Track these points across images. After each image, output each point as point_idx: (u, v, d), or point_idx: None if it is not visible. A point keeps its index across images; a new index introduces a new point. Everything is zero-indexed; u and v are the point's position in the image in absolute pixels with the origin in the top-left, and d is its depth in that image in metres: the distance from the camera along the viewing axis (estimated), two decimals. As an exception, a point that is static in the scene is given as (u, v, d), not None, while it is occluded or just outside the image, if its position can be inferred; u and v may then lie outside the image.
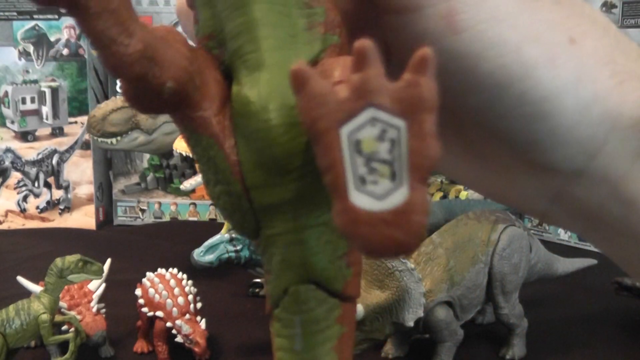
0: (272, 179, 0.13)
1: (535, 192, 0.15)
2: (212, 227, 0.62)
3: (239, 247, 0.53)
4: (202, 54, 0.13)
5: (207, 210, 0.83)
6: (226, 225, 0.54)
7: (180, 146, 0.67)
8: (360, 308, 0.44)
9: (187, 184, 0.65)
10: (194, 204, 0.83)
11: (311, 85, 0.09)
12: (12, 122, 0.81)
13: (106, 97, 0.81)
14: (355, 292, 0.14)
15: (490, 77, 0.13)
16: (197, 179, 0.66)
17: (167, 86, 0.12)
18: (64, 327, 0.47)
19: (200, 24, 0.14)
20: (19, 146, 0.80)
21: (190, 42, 0.13)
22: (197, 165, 0.81)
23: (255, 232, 0.14)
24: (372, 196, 0.09)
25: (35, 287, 0.48)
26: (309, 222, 0.13)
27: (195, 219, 0.82)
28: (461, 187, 0.72)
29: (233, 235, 0.53)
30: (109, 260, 0.52)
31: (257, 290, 0.60)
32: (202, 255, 0.52)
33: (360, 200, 0.09)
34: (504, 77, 0.13)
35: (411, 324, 0.44)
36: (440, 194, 0.76)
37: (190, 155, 0.70)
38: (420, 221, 0.09)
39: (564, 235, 0.74)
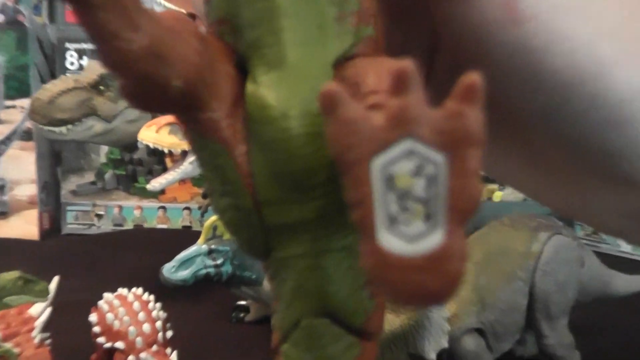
0: (289, 195, 0.14)
1: (610, 207, 0.16)
2: (186, 237, 0.63)
3: (219, 261, 0.54)
4: (213, 42, 0.14)
5: (179, 216, 0.84)
6: (204, 234, 0.55)
7: (147, 136, 0.67)
8: (370, 337, 0.44)
9: (155, 183, 0.65)
10: (164, 207, 0.84)
11: (342, 109, 0.10)
12: None
13: (53, 76, 0.81)
14: (377, 328, 0.15)
15: (558, 75, 0.14)
16: (168, 176, 0.66)
17: (174, 85, 0.13)
18: (-1, 363, 0.47)
19: (213, 5, 0.15)
20: (-59, 136, 0.80)
21: (201, 26, 0.15)
22: (167, 160, 0.82)
23: (265, 253, 0.15)
24: (404, 238, 0.10)
25: (-39, 313, 0.48)
26: (329, 246, 0.14)
27: (165, 226, 0.83)
28: (495, 186, 0.72)
29: (212, 247, 0.54)
30: (56, 278, 0.52)
31: (242, 315, 0.61)
32: (173, 271, 0.53)
33: (390, 241, 0.10)
34: (573, 75, 0.14)
35: (433, 356, 0.45)
36: None
37: (160, 147, 0.71)
38: (456, 270, 0.10)
39: (625, 247, 0.73)
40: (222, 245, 0.54)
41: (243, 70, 0.15)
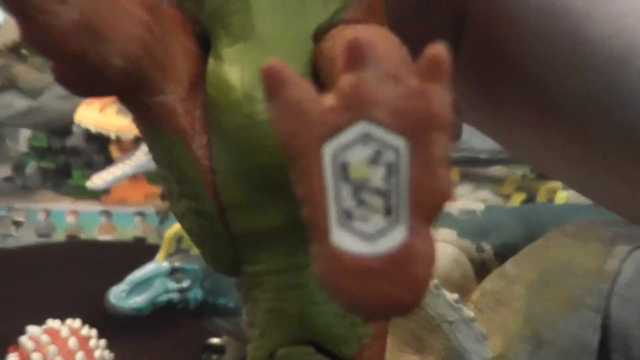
0: (258, 196, 0.15)
1: None
2: (140, 251, 0.66)
3: (185, 284, 0.55)
4: (168, 12, 0.16)
5: (129, 224, 0.85)
6: (164, 249, 0.56)
7: (87, 117, 0.69)
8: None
9: (98, 180, 0.67)
10: (108, 212, 0.85)
11: (287, 90, 0.12)
12: None
13: None
14: None
15: (603, 46, 0.15)
16: (116, 171, 0.68)
17: (114, 65, 0.14)
18: None
19: None
20: None
21: None
22: (113, 148, 0.83)
23: (235, 267, 0.16)
24: (360, 236, 0.12)
25: None
26: (309, 259, 0.15)
27: (110, 237, 0.85)
28: (557, 184, 0.74)
29: (176, 265, 0.55)
30: None
31: (215, 356, 0.62)
32: (124, 296, 0.54)
33: (345, 240, 0.12)
34: (622, 46, 0.15)
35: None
36: (522, 195, 0.78)
37: (105, 132, 0.72)
38: (422, 274, 0.11)
39: None
40: (188, 262, 0.55)
41: (207, 45, 0.16)
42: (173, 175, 0.16)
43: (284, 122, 0.12)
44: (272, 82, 0.12)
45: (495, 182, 0.83)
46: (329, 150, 0.12)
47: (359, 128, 0.12)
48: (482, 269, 0.56)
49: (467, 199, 0.77)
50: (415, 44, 0.15)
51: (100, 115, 0.68)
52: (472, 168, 0.82)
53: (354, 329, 0.16)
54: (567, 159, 0.20)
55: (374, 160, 0.12)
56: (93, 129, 0.69)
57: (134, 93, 0.15)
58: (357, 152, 0.12)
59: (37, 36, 0.13)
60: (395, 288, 0.11)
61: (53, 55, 0.13)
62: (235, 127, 0.15)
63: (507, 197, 0.81)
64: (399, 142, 0.12)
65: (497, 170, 0.83)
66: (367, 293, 0.11)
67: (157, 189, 0.84)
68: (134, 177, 0.82)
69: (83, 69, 0.14)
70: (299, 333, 0.16)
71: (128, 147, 0.77)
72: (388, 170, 0.12)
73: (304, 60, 0.16)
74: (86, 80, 0.14)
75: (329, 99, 0.12)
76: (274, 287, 0.16)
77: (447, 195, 0.12)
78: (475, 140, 0.76)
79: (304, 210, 0.12)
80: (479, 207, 0.64)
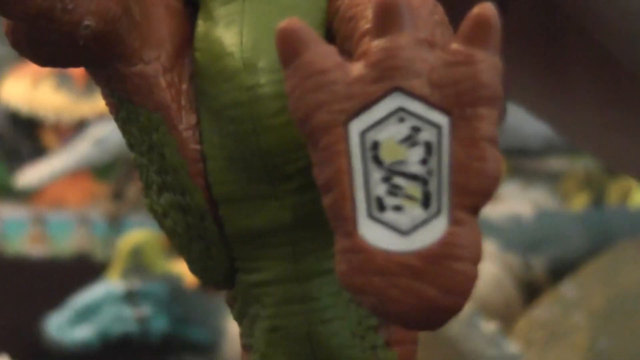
0: (260, 188, 0.16)
1: None
2: (84, 269, 0.67)
3: (146, 312, 0.57)
4: None
5: (68, 233, 0.85)
6: (117, 266, 0.57)
7: (15, 94, 0.68)
8: None
9: (29, 176, 0.66)
10: (41, 218, 0.85)
11: (307, 55, 0.13)
12: None
13: None
14: None
15: None
16: (51, 165, 0.67)
17: (84, 25, 0.15)
18: None
19: None
20: None
21: None
22: (48, 135, 0.82)
23: (227, 278, 0.17)
24: (394, 229, 0.13)
25: None
26: (319, 266, 0.16)
27: (43, 250, 0.85)
28: (630, 182, 0.74)
29: (134, 287, 0.57)
30: None
31: None
32: (66, 327, 0.55)
33: (375, 234, 0.13)
34: None
35: None
36: (586, 196, 0.79)
37: (37, 112, 0.71)
38: (465, 272, 0.12)
39: None
40: (150, 283, 0.57)
41: (194, 6, 0.17)
42: (153, 163, 0.17)
43: (304, 94, 0.13)
44: (289, 46, 0.13)
45: (551, 178, 0.83)
46: (357, 127, 0.13)
47: (393, 101, 0.13)
48: (531, 292, 0.57)
49: (514, 201, 0.76)
50: (452, 5, 0.16)
51: (32, 91, 0.68)
52: (521, 160, 0.82)
53: (375, 353, 0.17)
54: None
55: (410, 139, 0.13)
56: (23, 110, 0.69)
57: (107, 61, 0.16)
58: (390, 130, 0.13)
59: None
60: (435, 289, 0.12)
61: (11, 13, 0.14)
62: (232, 104, 0.16)
63: (566, 198, 0.80)
64: (439, 117, 0.13)
65: (553, 163, 0.83)
66: (402, 295, 0.12)
67: (105, 188, 0.84)
68: (74, 173, 0.81)
69: (47, 30, 0.15)
70: (307, 356, 0.17)
71: (67, 133, 0.77)
72: (427, 151, 0.13)
73: (316, 21, 0.16)
74: (50, 45, 0.15)
75: (357, 67, 0.13)
76: (277, 300, 0.17)
77: (497, 180, 0.12)
78: (525, 124, 0.76)
79: (326, 198, 0.13)
80: (529, 211, 0.64)
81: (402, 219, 0.13)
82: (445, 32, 0.14)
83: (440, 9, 0.14)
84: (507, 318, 0.52)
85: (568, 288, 0.50)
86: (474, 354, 0.46)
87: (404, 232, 0.13)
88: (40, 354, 0.54)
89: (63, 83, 0.67)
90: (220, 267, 0.17)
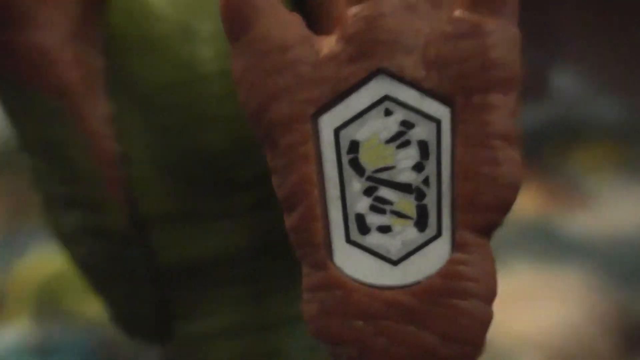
0: (203, 203, 0.15)
1: None
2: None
3: None
4: None
5: None
6: (22, 308, 0.54)
7: None
8: None
9: None
10: None
11: (262, 26, 0.11)
12: None
13: None
14: None
15: None
16: None
17: None
18: None
19: None
20: None
21: None
22: None
23: (162, 328, 0.16)
24: (381, 256, 0.11)
25: None
26: (289, 309, 0.15)
27: None
28: None
29: (45, 338, 0.53)
30: None
31: None
32: None
33: (356, 264, 0.11)
34: None
35: None
36: None
37: None
38: (475, 312, 0.11)
39: None
40: (65, 332, 0.51)
41: None
42: (55, 169, 0.15)
43: (258, 79, 0.11)
44: (237, 13, 0.11)
45: None
46: (329, 122, 0.11)
47: (377, 87, 0.11)
48: (634, 341, 0.53)
49: (610, 209, 0.65)
50: None
51: None
52: (620, 149, 0.67)
53: None
54: None
55: (400, 137, 0.11)
56: None
57: None
58: (373, 126, 0.11)
59: None
60: (435, 336, 0.11)
61: None
62: (162, 85, 0.14)
63: None
64: (438, 108, 0.11)
65: None
66: (391, 345, 0.11)
67: (1, 194, 0.81)
68: None
69: None
70: None
71: None
72: (422, 153, 0.11)
73: None
74: None
75: (329, 42, 0.12)
76: (230, 355, 0.15)
77: (515, 190, 0.11)
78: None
79: (289, 218, 0.12)
80: (634, 224, 0.58)
81: (391, 244, 0.11)
82: None
83: None
84: None
85: None
86: None
87: (393, 261, 0.11)
88: None
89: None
90: (152, 312, 0.15)
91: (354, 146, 0.11)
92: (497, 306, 0.12)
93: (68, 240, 0.14)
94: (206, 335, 0.14)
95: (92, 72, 0.13)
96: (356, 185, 0.11)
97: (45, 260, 0.48)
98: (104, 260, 0.14)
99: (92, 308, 0.46)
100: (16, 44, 0.13)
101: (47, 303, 0.46)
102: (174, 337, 0.15)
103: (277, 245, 0.14)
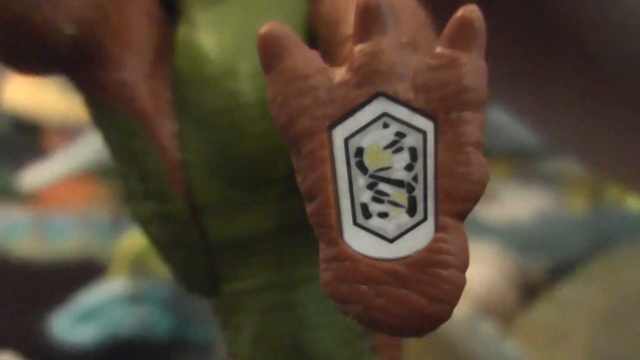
0: (242, 195, 0.16)
1: None
2: (85, 271, 0.67)
3: (149, 314, 0.57)
4: None
5: (69, 235, 0.85)
6: (120, 268, 0.58)
7: (16, 97, 0.68)
8: None
9: (31, 179, 0.67)
10: (41, 220, 0.86)
11: (289, 61, 0.13)
12: None
13: None
14: None
15: None
16: (51, 167, 0.68)
17: (63, 33, 0.15)
18: None
19: None
20: None
21: None
22: (47, 137, 0.83)
23: (212, 286, 0.18)
24: (380, 236, 0.13)
25: None
26: (304, 273, 0.17)
27: (44, 252, 0.85)
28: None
29: (137, 289, 0.57)
30: None
31: None
32: (71, 328, 0.56)
33: (361, 241, 0.13)
34: None
35: None
36: (586, 198, 0.79)
37: (41, 116, 0.71)
38: (451, 279, 0.12)
39: None
40: (151, 286, 0.56)
41: (173, 10, 0.17)
42: (134, 171, 0.17)
43: (286, 100, 0.13)
44: (271, 51, 0.13)
45: (551, 180, 0.82)
46: (340, 133, 0.13)
47: (377, 106, 0.13)
48: (530, 294, 0.57)
49: (513, 203, 0.76)
50: (435, 6, 0.16)
51: (36, 94, 0.68)
52: (520, 162, 0.82)
53: (361, 358, 0.17)
54: (623, 139, 0.21)
55: (395, 145, 0.13)
56: (26, 113, 0.69)
57: (85, 68, 0.16)
58: (374, 136, 0.13)
59: None
60: (423, 297, 0.12)
61: None
62: (213, 110, 0.16)
63: (565, 200, 0.80)
64: (424, 122, 0.13)
65: (553, 165, 0.83)
66: (388, 304, 0.12)
67: (107, 190, 0.83)
68: (75, 176, 0.81)
69: (25, 37, 0.14)
70: None
71: (70, 137, 0.77)
72: (412, 156, 0.13)
73: (298, 26, 0.17)
74: (28, 51, 0.15)
75: (340, 72, 0.13)
76: (261, 308, 0.17)
77: (483, 185, 0.12)
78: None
79: (310, 206, 0.13)
80: (528, 213, 0.64)
81: (388, 226, 0.13)
82: (428, 35, 0.14)
83: (422, 11, 0.14)
84: (505, 319, 0.51)
85: (567, 290, 0.50)
86: (472, 355, 0.46)
87: (390, 239, 0.13)
88: (45, 354, 0.55)
89: (65, 86, 0.66)
90: (204, 275, 0.17)
91: (359, 151, 0.13)
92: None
93: (144, 223, 0.17)
94: (242, 291, 0.16)
95: (162, 101, 0.16)
96: (361, 181, 0.13)
97: (138, 236, 0.53)
98: (169, 237, 0.16)
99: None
100: (108, 80, 0.15)
101: (138, 266, 0.55)
102: (220, 293, 0.17)
103: (297, 226, 0.16)
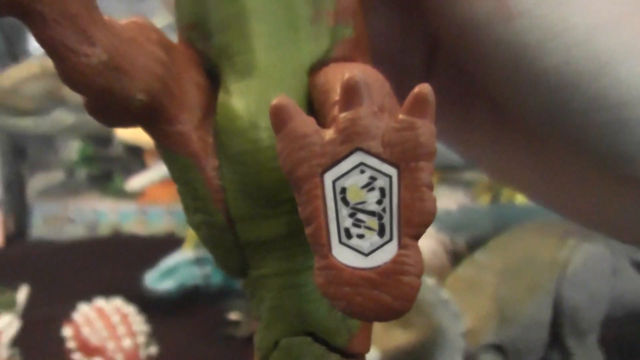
0: (260, 210, 0.15)
1: (629, 213, 0.16)
2: (170, 243, 0.65)
3: (208, 271, 0.56)
4: (181, 50, 0.16)
5: (160, 220, 0.85)
6: (189, 240, 0.57)
7: (124, 131, 0.68)
8: (375, 354, 0.46)
9: (134, 183, 0.67)
10: (143, 210, 0.85)
11: (293, 124, 0.12)
12: None
13: (14, 60, 0.81)
14: (363, 348, 0.16)
15: (555, 74, 0.15)
16: (149, 175, 0.68)
17: (137, 99, 0.14)
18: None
19: (182, 10, 0.16)
20: None
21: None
22: (146, 156, 0.83)
23: (243, 271, 0.16)
24: (358, 251, 0.12)
25: None
26: (304, 264, 0.16)
27: (143, 231, 0.85)
28: None
29: (200, 255, 0.55)
30: (25, 288, 0.54)
31: (230, 330, 0.62)
32: (157, 281, 0.54)
33: (344, 255, 0.12)
34: (571, 74, 0.14)
35: (445, 377, 0.45)
36: (489, 195, 0.79)
37: (139, 143, 0.72)
38: (410, 283, 0.11)
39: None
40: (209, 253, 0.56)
41: (216, 80, 0.16)
42: (189, 193, 0.16)
43: (290, 153, 0.12)
44: (279, 117, 0.12)
45: (468, 185, 0.83)
46: (329, 177, 0.12)
47: (356, 158, 0.12)
48: (455, 259, 0.56)
49: (444, 200, 0.76)
50: (394, 74, 0.15)
51: (134, 129, 0.68)
52: (448, 173, 0.82)
53: (344, 323, 0.16)
54: (526, 170, 0.19)
55: (369, 185, 0.12)
56: (131, 140, 0.69)
57: (154, 123, 0.15)
58: (354, 179, 0.12)
59: (70, 74, 0.13)
60: (389, 296, 0.11)
61: (84, 91, 0.13)
62: (241, 152, 0.15)
63: (476, 198, 0.81)
64: (390, 169, 0.12)
65: (469, 175, 0.83)
66: (364, 301, 0.12)
67: None
68: (164, 181, 0.82)
69: (110, 103, 0.14)
70: (298, 326, 0.16)
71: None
72: (381, 194, 0.12)
73: (301, 93, 0.15)
74: (113, 112, 0.14)
75: (329, 133, 0.12)
76: (275, 287, 0.16)
77: (432, 215, 0.12)
78: (450, 152, 0.75)
79: (307, 229, 0.12)
80: (454, 206, 0.64)
81: (364, 244, 0.12)
82: (392, 101, 0.13)
83: (387, 84, 0.13)
84: (441, 276, 0.51)
85: (480, 256, 0.50)
86: (422, 300, 0.45)
87: (365, 254, 0.12)
88: (141, 299, 0.54)
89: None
90: (237, 264, 0.16)
91: (343, 190, 0.12)
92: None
93: (195, 228, 0.16)
94: (263, 275, 0.15)
95: (207, 145, 0.15)
96: (344, 211, 0.12)
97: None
98: (212, 239, 0.15)
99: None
100: (170, 131, 0.15)
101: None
102: (248, 276, 0.16)
103: (300, 232, 0.14)
